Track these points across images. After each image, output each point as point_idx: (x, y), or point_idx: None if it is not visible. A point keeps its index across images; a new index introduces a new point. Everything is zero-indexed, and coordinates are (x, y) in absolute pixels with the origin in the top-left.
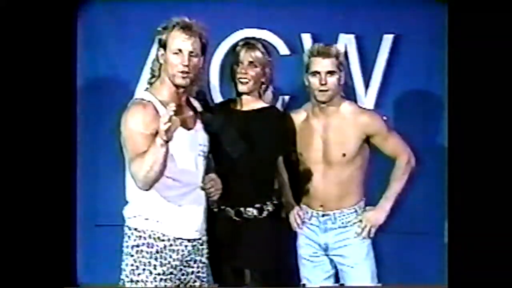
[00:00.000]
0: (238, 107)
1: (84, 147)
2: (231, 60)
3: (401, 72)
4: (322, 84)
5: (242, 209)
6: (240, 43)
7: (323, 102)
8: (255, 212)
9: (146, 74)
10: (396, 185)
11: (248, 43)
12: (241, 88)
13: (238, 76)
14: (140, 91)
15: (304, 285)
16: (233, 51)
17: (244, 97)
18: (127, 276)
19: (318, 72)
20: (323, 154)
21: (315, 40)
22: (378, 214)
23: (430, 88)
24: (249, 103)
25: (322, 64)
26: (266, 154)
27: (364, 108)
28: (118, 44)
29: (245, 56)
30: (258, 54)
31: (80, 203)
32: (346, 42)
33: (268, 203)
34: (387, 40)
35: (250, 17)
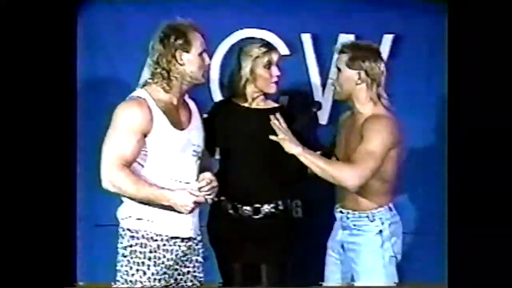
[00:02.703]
0: (246, 105)
1: (83, 147)
2: (253, 63)
3: (401, 72)
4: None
5: (247, 207)
6: (260, 46)
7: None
8: (266, 209)
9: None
10: (319, 162)
11: (268, 44)
12: (273, 90)
13: (273, 79)
14: (137, 89)
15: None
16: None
17: (253, 96)
18: (122, 277)
19: None
20: (341, 152)
21: (315, 40)
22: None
23: (430, 88)
24: (260, 102)
25: None
26: (269, 154)
27: (383, 114)
28: (118, 44)
29: (271, 57)
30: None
31: (80, 203)
32: None
33: (268, 203)
34: (387, 40)
35: (250, 17)
